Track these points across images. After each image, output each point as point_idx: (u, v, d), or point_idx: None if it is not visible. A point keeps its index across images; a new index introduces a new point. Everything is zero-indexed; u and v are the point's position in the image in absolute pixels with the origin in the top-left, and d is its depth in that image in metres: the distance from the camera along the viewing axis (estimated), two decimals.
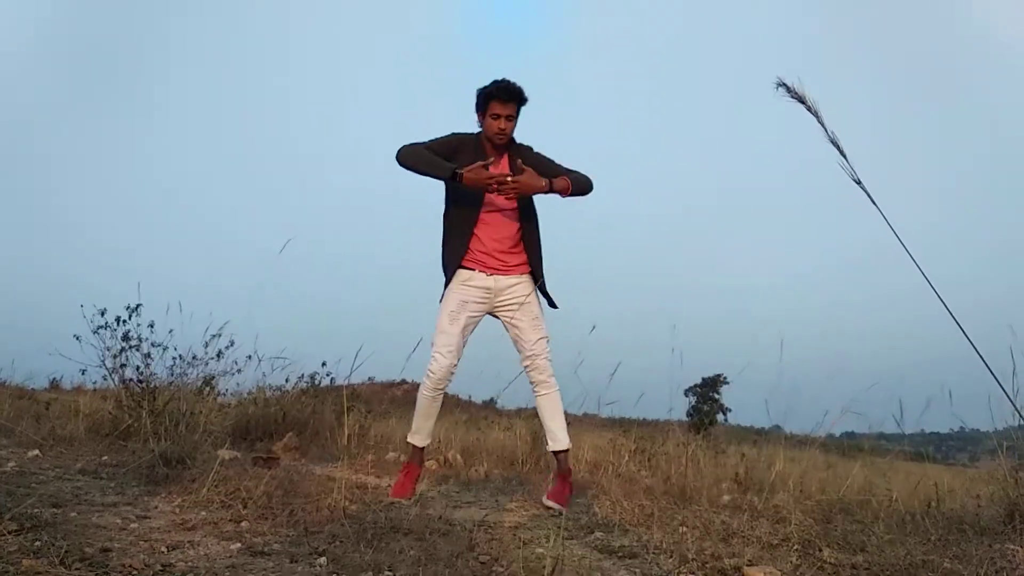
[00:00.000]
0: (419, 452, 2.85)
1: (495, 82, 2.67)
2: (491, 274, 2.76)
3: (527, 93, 2.69)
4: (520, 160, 2.73)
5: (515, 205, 2.78)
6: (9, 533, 1.68)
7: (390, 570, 1.69)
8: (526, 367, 2.82)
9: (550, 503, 2.73)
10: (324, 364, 5.47)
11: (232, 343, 4.26)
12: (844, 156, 1.31)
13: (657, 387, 3.68)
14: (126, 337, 3.75)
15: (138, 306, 3.78)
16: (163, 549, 1.76)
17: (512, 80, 2.68)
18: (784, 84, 1.29)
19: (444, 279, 2.81)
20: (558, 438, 2.81)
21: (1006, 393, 1.40)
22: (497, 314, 2.84)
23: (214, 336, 4.11)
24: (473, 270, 2.74)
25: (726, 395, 23.94)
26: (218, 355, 4.21)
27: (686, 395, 23.89)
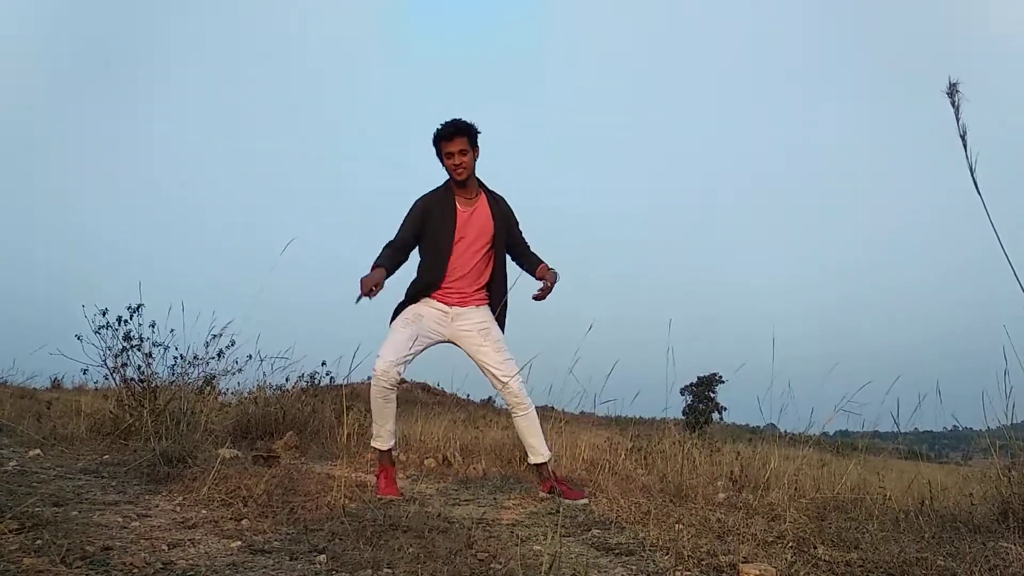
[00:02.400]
0: (386, 454, 2.92)
1: (437, 127, 2.87)
2: (452, 305, 2.95)
3: (477, 126, 2.89)
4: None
5: (487, 249, 2.98)
6: (10, 532, 1.70)
7: (389, 567, 1.71)
8: (501, 390, 2.94)
9: (578, 501, 2.85)
10: (324, 364, 5.50)
11: (233, 343, 4.29)
12: (967, 154, 1.38)
13: (653, 386, 3.70)
14: (127, 337, 3.77)
15: (139, 306, 3.79)
16: (164, 547, 1.77)
17: (457, 118, 2.88)
18: (953, 85, 1.36)
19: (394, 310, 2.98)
20: (539, 452, 3.00)
21: None
22: (460, 343, 2.97)
23: (215, 336, 4.14)
24: (432, 299, 2.94)
25: (722, 394, 23.97)
26: (219, 355, 4.23)
27: (682, 394, 23.93)
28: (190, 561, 1.68)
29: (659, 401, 3.76)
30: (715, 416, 21.89)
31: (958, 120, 1.37)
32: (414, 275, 2.98)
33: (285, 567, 1.70)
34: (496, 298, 3.03)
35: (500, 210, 3.02)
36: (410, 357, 2.84)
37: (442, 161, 2.92)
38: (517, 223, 3.11)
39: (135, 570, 1.57)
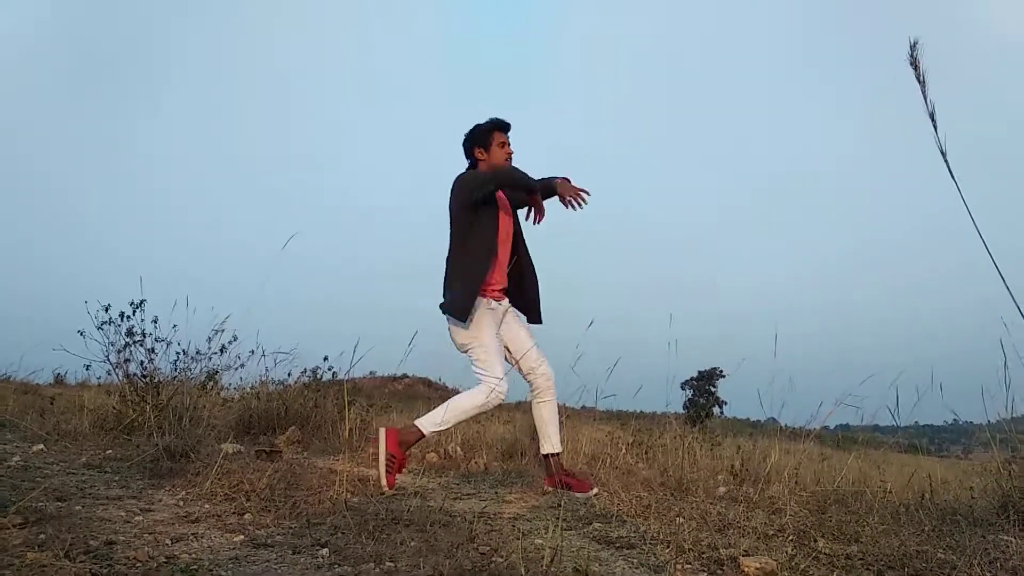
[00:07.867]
0: (423, 439, 2.88)
1: (492, 119, 2.99)
2: (500, 300, 2.99)
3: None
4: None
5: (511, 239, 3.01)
6: (14, 527, 1.71)
7: (391, 561, 1.72)
8: (530, 373, 2.98)
9: (587, 493, 2.85)
10: (326, 359, 5.49)
11: (235, 338, 4.30)
12: (936, 128, 1.33)
13: (654, 381, 3.71)
14: (130, 332, 3.78)
15: (142, 302, 3.80)
16: (167, 541, 1.79)
17: None
18: (913, 46, 1.30)
19: (452, 306, 2.87)
20: (555, 443, 3.01)
21: None
22: (503, 333, 2.98)
23: (217, 331, 4.15)
24: (487, 298, 2.93)
25: (722, 388, 23.96)
26: (221, 350, 4.25)
27: (683, 388, 23.95)
28: (193, 555, 1.69)
29: (660, 396, 3.76)
30: (716, 410, 21.90)
31: (925, 97, 1.30)
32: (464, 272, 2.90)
33: (288, 561, 1.71)
34: (525, 295, 3.06)
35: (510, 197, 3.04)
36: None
37: (486, 148, 2.97)
38: None
39: (138, 564, 1.58)
